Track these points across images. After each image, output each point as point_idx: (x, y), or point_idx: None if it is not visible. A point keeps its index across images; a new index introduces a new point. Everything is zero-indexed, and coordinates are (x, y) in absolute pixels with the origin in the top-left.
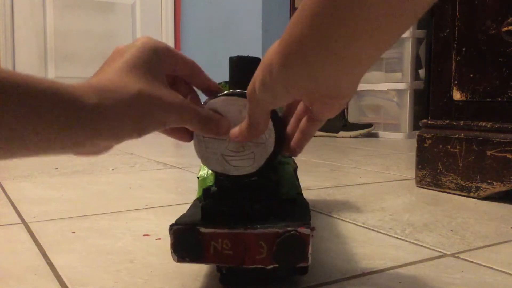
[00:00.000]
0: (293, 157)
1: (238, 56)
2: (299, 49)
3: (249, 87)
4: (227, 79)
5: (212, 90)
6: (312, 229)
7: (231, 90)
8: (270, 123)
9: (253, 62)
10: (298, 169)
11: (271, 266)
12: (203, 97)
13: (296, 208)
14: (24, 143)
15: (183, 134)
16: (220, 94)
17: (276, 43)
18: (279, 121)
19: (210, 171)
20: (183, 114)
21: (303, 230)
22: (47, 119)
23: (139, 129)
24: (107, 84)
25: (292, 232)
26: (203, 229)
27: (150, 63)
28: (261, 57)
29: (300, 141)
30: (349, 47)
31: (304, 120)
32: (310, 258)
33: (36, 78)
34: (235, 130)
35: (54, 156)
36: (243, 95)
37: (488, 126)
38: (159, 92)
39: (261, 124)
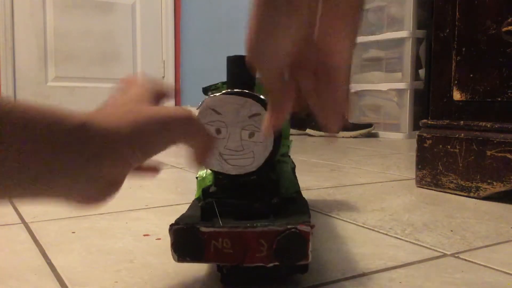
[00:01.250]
0: (291, 157)
1: (236, 55)
2: None
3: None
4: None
5: None
6: (312, 226)
7: (229, 90)
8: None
9: None
10: (298, 169)
11: (272, 264)
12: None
13: (296, 206)
14: (33, 179)
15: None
16: (219, 93)
17: None
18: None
19: (209, 171)
20: (191, 125)
21: (303, 227)
22: (42, 144)
23: (149, 145)
24: (105, 108)
25: (292, 230)
26: (203, 228)
27: (149, 97)
28: None
29: (332, 108)
30: None
31: (320, 82)
32: (310, 255)
33: (35, 105)
34: (265, 124)
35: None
36: (241, 94)
37: (488, 126)
38: (159, 108)
39: (280, 89)
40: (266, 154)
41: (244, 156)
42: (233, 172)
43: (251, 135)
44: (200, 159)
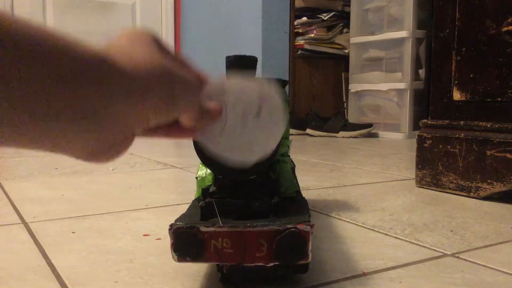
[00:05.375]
0: (291, 157)
1: (235, 55)
2: None
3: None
4: None
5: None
6: (312, 226)
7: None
8: (280, 112)
9: (250, 61)
10: (298, 169)
11: (271, 264)
12: None
13: (295, 206)
14: (19, 111)
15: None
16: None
17: None
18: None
19: (209, 171)
20: (197, 93)
21: (303, 227)
22: (50, 74)
23: (169, 99)
24: (113, 44)
25: (292, 229)
26: (203, 228)
27: (157, 43)
28: (260, 57)
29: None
30: None
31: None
32: (310, 255)
33: (32, 25)
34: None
35: (65, 151)
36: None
37: (488, 126)
38: (177, 68)
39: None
40: (270, 144)
41: (244, 139)
42: (230, 162)
43: (258, 113)
44: (199, 132)
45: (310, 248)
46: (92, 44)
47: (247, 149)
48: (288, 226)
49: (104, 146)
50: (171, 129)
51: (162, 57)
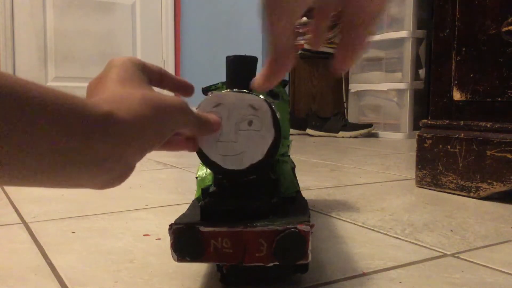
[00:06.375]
0: (291, 157)
1: (235, 55)
2: None
3: None
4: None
5: (185, 87)
6: (312, 226)
7: (228, 90)
8: (269, 118)
9: (250, 61)
10: (298, 168)
11: (271, 264)
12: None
13: (295, 206)
14: (38, 162)
15: (188, 143)
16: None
17: None
18: (278, 120)
19: (209, 171)
20: (187, 114)
21: (303, 227)
22: (65, 130)
23: (160, 133)
24: (109, 96)
25: (292, 229)
26: (202, 228)
27: (137, 75)
28: (260, 57)
29: (350, 52)
30: None
31: (344, 32)
32: (310, 255)
33: (42, 86)
34: (258, 78)
35: (73, 187)
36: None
37: (488, 126)
38: (159, 95)
39: (288, 47)
40: (259, 153)
41: (237, 148)
42: (224, 166)
43: (250, 123)
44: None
45: (310, 248)
46: (96, 100)
47: (238, 157)
48: (287, 226)
49: (111, 180)
50: (171, 142)
51: (150, 90)
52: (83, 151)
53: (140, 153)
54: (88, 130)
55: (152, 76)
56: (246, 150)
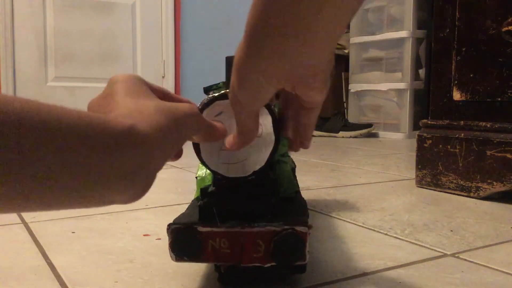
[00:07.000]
0: (291, 157)
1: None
2: (265, 32)
3: (230, 94)
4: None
5: None
6: (310, 227)
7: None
8: (270, 123)
9: None
10: (298, 168)
11: (269, 265)
12: None
13: (294, 206)
14: (72, 181)
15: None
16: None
17: (240, 42)
18: (277, 120)
19: (208, 171)
20: (199, 120)
21: (301, 228)
22: (93, 148)
23: (178, 140)
24: (125, 110)
25: (289, 230)
26: (201, 228)
27: (143, 88)
28: None
29: (304, 132)
30: (315, 20)
31: (299, 111)
32: (307, 256)
33: (60, 107)
34: (229, 139)
35: (104, 204)
36: None
37: (488, 126)
38: (171, 104)
39: (251, 128)
40: (261, 160)
41: (240, 156)
42: (227, 174)
43: None
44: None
45: (307, 249)
46: (113, 116)
47: (241, 165)
48: (285, 227)
49: (137, 193)
50: None
51: (160, 101)
52: (111, 165)
53: (162, 162)
54: (115, 145)
55: (155, 92)
56: (249, 157)
